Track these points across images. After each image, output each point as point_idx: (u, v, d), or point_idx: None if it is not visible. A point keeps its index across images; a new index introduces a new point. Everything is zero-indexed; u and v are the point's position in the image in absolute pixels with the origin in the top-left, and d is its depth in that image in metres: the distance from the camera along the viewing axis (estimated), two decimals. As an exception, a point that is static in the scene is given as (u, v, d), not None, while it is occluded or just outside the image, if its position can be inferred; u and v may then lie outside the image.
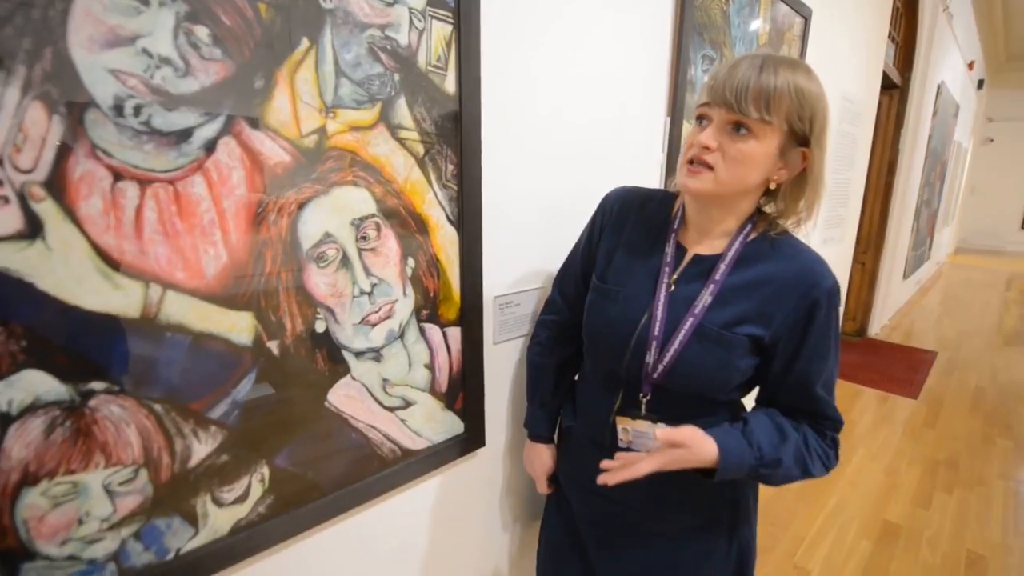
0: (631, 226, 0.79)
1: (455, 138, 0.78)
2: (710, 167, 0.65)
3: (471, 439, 0.91)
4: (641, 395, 0.73)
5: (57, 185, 0.47)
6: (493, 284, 0.91)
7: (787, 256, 0.69)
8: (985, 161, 8.92)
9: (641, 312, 0.73)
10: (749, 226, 0.72)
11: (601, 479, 0.68)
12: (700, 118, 0.68)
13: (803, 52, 1.78)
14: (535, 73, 0.89)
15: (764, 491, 0.81)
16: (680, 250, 0.75)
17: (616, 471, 0.67)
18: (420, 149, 0.74)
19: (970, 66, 5.79)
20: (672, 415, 0.72)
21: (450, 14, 0.73)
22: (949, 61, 4.66)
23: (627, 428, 0.75)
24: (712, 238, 0.73)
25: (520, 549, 1.12)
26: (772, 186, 0.69)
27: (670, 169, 1.27)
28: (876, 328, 4.21)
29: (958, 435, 2.65)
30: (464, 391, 0.89)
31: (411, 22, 0.69)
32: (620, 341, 0.73)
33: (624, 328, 0.73)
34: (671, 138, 1.26)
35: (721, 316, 0.69)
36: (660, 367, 0.70)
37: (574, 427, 0.87)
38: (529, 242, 0.97)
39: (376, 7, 0.66)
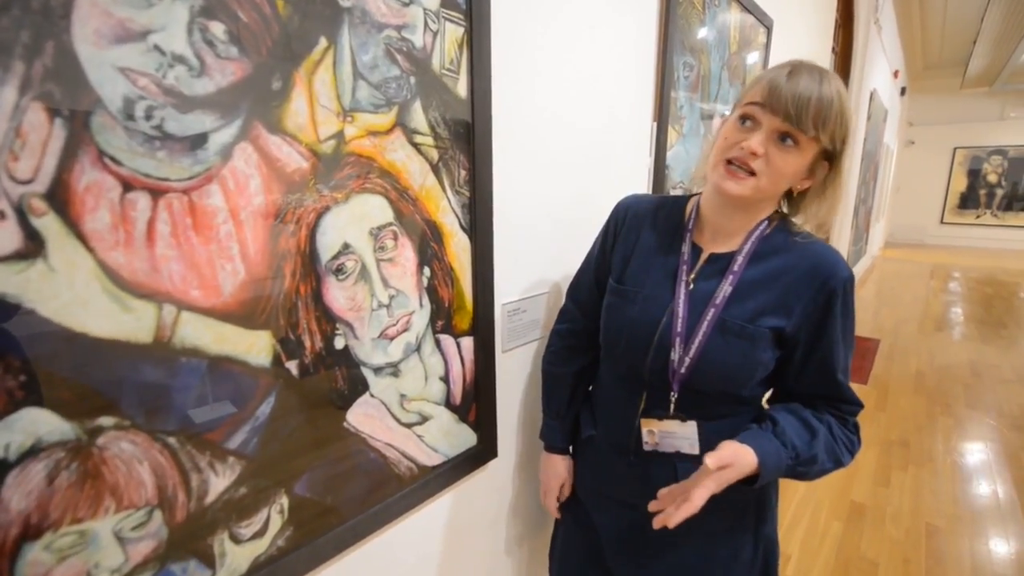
0: (646, 230, 0.79)
1: (467, 143, 0.75)
2: (752, 173, 0.65)
3: (484, 451, 0.89)
4: (671, 394, 0.72)
5: (60, 197, 0.42)
6: (501, 292, 0.89)
7: (802, 248, 0.70)
8: (908, 162, 9.69)
9: (662, 310, 0.72)
10: (765, 223, 0.72)
11: (658, 522, 0.64)
12: (745, 117, 0.66)
13: (767, 62, 1.86)
14: (536, 81, 0.88)
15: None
16: (696, 250, 0.75)
17: (675, 512, 0.63)
18: (435, 155, 0.71)
19: (895, 74, 6.27)
20: (699, 414, 0.72)
21: (462, 16, 0.71)
22: (879, 69, 5.02)
23: (653, 430, 0.74)
24: (727, 236, 0.73)
25: (532, 557, 1.10)
26: (794, 192, 0.71)
27: (657, 172, 1.29)
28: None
29: (906, 416, 2.84)
30: (477, 402, 0.86)
31: (426, 23, 0.67)
32: (642, 341, 0.73)
33: (645, 327, 0.73)
34: (658, 143, 1.28)
35: (742, 309, 0.69)
36: (687, 361, 0.70)
37: (595, 436, 0.85)
38: (532, 248, 0.95)
39: (392, 7, 0.62)
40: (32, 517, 0.43)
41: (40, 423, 0.43)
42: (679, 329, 0.71)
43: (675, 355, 0.71)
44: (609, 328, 0.78)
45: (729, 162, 0.66)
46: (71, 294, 0.43)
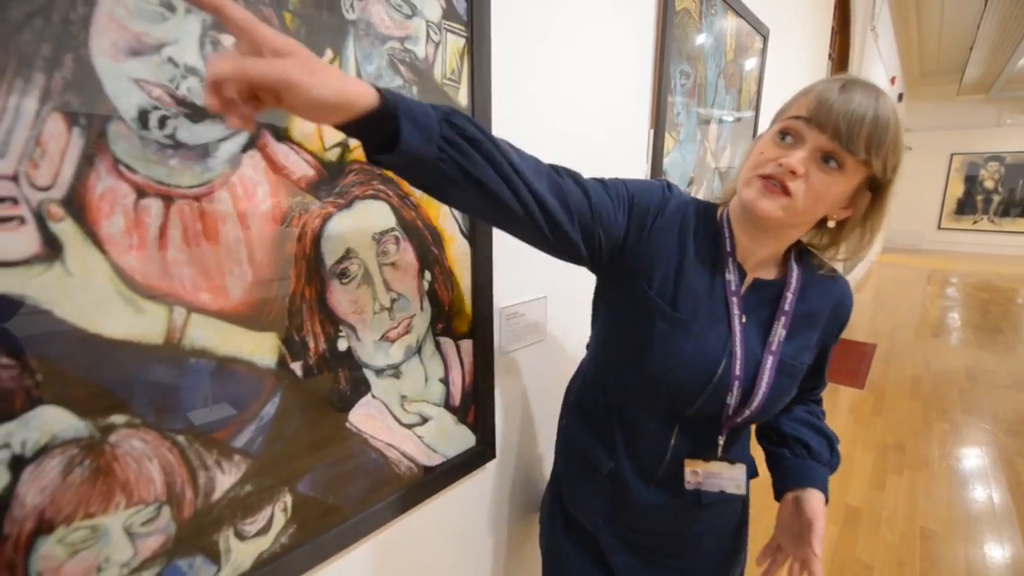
0: (690, 238, 0.67)
1: (467, 150, 0.77)
2: (787, 192, 0.57)
3: (483, 452, 0.90)
4: (719, 437, 0.70)
5: (77, 203, 0.44)
6: (499, 295, 0.90)
7: (829, 283, 0.70)
8: (905, 168, 9.68)
9: (720, 350, 0.65)
10: (793, 252, 0.69)
11: None
12: (785, 132, 0.59)
13: (763, 68, 1.89)
14: (535, 88, 0.90)
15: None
16: (741, 273, 0.67)
17: None
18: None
19: (892, 81, 6.32)
20: (733, 445, 0.73)
21: (463, 27, 0.73)
22: (876, 76, 5.06)
23: (697, 471, 0.71)
24: (760, 260, 0.68)
25: (529, 557, 1.12)
26: (831, 224, 0.64)
27: (654, 178, 1.31)
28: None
29: (902, 420, 2.86)
30: (475, 404, 0.88)
31: (428, 35, 0.69)
32: (697, 382, 0.65)
33: (703, 368, 0.65)
34: (654, 149, 1.30)
35: (790, 348, 0.67)
36: (747, 411, 0.66)
37: (616, 469, 0.75)
38: (530, 252, 0.97)
39: (396, 19, 0.64)
40: (46, 512, 0.45)
41: (55, 421, 0.44)
42: (738, 372, 0.65)
43: (731, 399, 0.66)
44: (660, 364, 0.66)
45: (765, 178, 0.59)
46: (87, 296, 0.45)
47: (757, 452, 0.81)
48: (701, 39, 1.42)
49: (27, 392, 0.43)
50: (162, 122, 0.47)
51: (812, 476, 0.73)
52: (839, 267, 0.74)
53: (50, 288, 0.43)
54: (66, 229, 0.43)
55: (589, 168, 1.07)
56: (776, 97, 2.08)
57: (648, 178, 1.30)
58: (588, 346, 0.83)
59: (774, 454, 0.80)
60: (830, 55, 3.61)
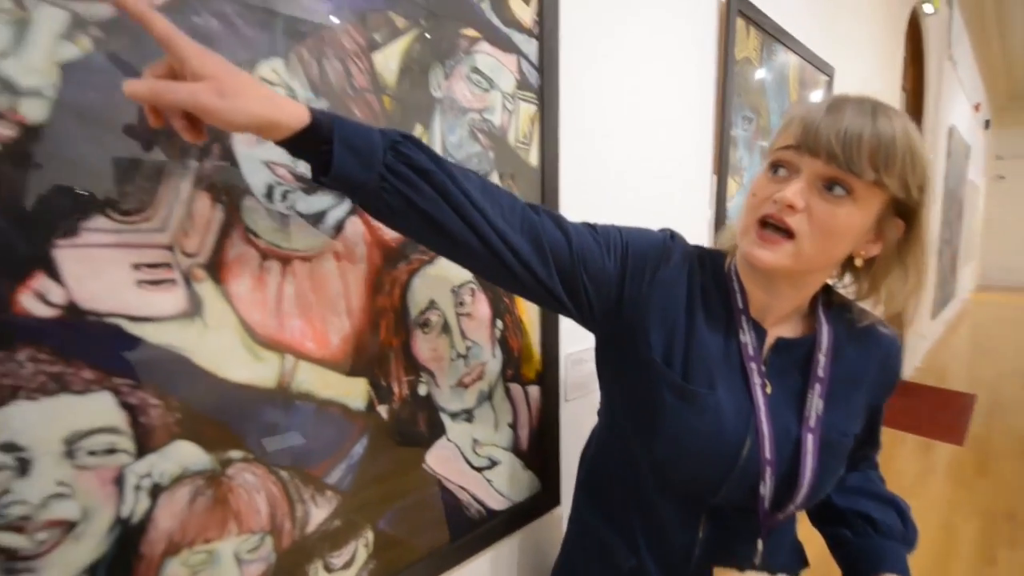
0: (696, 293, 0.60)
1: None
2: (790, 234, 0.51)
3: (548, 497, 0.91)
4: (756, 540, 0.59)
5: (215, 266, 0.51)
6: (565, 342, 0.93)
7: (869, 336, 0.61)
8: (998, 198, 8.95)
9: (743, 427, 0.56)
10: (820, 302, 0.61)
11: None
12: (777, 165, 0.53)
13: (829, 107, 1.85)
14: (601, 143, 0.95)
15: (819, 553, 0.75)
16: (759, 332, 0.59)
17: None
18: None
19: (976, 108, 5.93)
20: (776, 544, 0.62)
21: (534, 95, 0.80)
22: (957, 105, 4.78)
23: None
24: (781, 314, 0.60)
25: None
26: (858, 262, 0.56)
27: (718, 225, 1.31)
28: (909, 370, 4.12)
29: (1012, 484, 2.53)
30: (541, 449, 0.89)
31: (503, 104, 0.76)
32: (718, 466, 0.56)
33: (723, 449, 0.56)
34: (718, 195, 1.31)
35: (833, 419, 0.58)
36: (790, 505, 0.56)
37: (638, 567, 0.64)
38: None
39: (476, 93, 0.72)
40: (175, 535, 0.51)
41: (187, 454, 0.51)
42: (768, 455, 0.55)
43: (765, 488, 0.55)
44: (670, 443, 0.57)
45: (763, 224, 0.52)
46: (219, 346, 0.52)
47: (805, 530, 0.71)
48: (763, 85, 1.43)
49: (168, 428, 0.50)
50: (284, 196, 0.55)
51: (886, 557, 0.63)
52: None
53: (191, 339, 0.50)
54: (206, 289, 0.51)
55: (653, 217, 1.10)
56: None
57: (711, 226, 1.30)
58: (599, 412, 0.74)
59: (833, 537, 0.69)
60: (903, 87, 3.47)
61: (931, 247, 0.57)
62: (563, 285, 0.55)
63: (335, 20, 0.57)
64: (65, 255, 0.43)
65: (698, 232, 1.29)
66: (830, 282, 0.63)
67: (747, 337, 0.58)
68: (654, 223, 1.10)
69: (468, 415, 0.76)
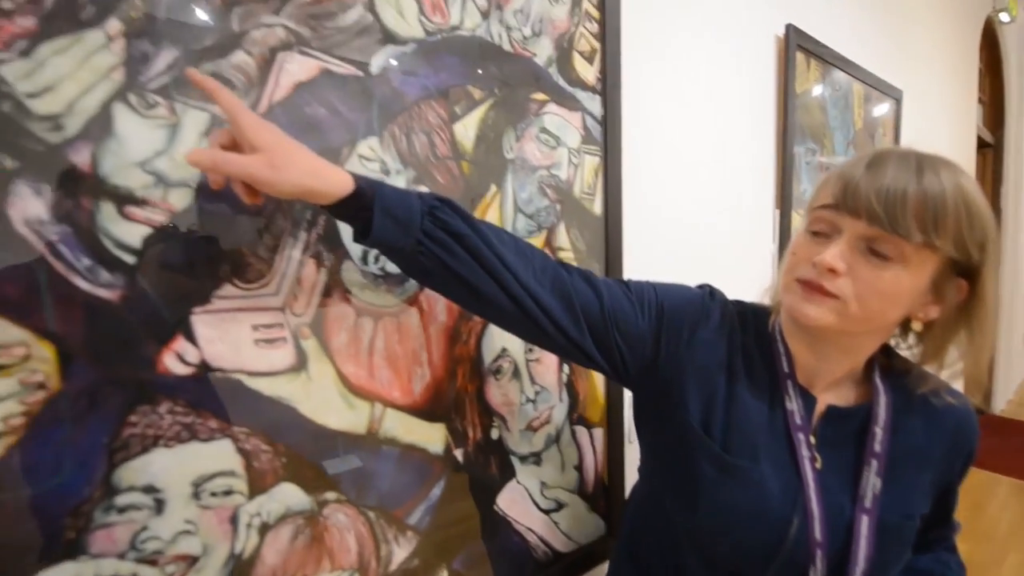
0: (737, 356, 0.57)
1: (601, 251, 0.85)
2: (833, 295, 0.48)
3: (613, 541, 0.91)
4: None
5: (318, 324, 0.57)
6: (629, 382, 0.94)
7: (937, 408, 0.56)
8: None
9: (790, 505, 0.52)
10: (876, 367, 0.57)
11: None
12: (816, 224, 0.51)
13: (897, 134, 1.78)
14: (663, 189, 0.97)
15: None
16: (807, 399, 0.55)
17: None
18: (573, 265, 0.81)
19: (1067, 117, 5.44)
20: None
21: (598, 148, 0.83)
22: (1043, 115, 4.42)
23: None
24: (831, 380, 0.56)
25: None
26: (916, 326, 0.53)
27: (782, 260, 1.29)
28: (1001, 404, 3.75)
29: None
30: (606, 492, 0.90)
31: (569, 159, 0.79)
32: (762, 547, 0.52)
33: (768, 529, 0.52)
34: (781, 229, 1.28)
35: (892, 500, 0.53)
36: None
37: None
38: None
39: (544, 151, 0.76)
40: (278, 570, 0.56)
41: (290, 496, 0.56)
42: (818, 536, 0.51)
43: (816, 573, 0.51)
44: (707, 515, 0.54)
45: (803, 281, 0.50)
46: (320, 396, 0.57)
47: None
48: (825, 115, 1.41)
49: (275, 472, 0.55)
50: (377, 258, 0.61)
51: None
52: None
53: (297, 391, 0.56)
54: (311, 345, 0.57)
55: (717, 253, 1.10)
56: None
57: (775, 259, 1.28)
58: (639, 468, 0.70)
59: None
60: (980, 99, 3.26)
61: (998, 307, 0.52)
62: (596, 344, 0.55)
63: (422, 99, 0.63)
64: (199, 320, 0.50)
65: (762, 267, 1.27)
66: (892, 342, 0.59)
67: (794, 404, 0.54)
68: (717, 260, 1.10)
69: (536, 458, 0.78)
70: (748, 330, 0.58)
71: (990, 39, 3.20)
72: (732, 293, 0.74)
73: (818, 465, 0.53)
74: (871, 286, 0.47)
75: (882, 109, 1.69)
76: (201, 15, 0.49)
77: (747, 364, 0.57)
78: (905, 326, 0.55)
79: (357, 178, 0.48)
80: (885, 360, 0.58)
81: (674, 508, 0.58)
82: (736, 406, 0.55)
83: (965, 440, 0.58)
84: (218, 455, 0.52)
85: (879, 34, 1.67)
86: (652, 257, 0.96)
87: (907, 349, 0.58)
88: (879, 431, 0.54)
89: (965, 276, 0.50)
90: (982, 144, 3.43)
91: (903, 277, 0.47)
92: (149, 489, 0.48)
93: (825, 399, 0.56)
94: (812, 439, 0.54)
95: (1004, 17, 3.06)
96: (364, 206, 0.48)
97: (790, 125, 1.24)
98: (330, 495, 0.59)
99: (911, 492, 0.55)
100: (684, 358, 0.56)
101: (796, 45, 1.24)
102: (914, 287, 0.48)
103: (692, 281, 1.00)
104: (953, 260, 0.48)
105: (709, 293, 0.61)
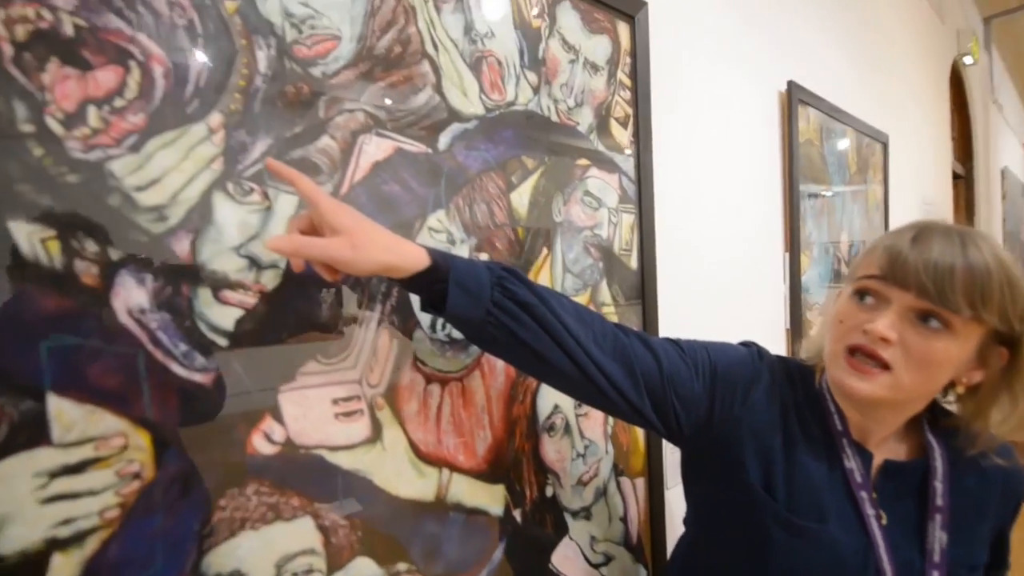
0: (795, 420, 0.58)
1: (639, 303, 0.88)
2: (886, 366, 0.49)
3: (657, 592, 0.91)
4: None
5: (391, 394, 0.58)
6: (664, 429, 0.96)
7: (986, 465, 0.58)
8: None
9: (862, 564, 0.53)
10: (925, 421, 0.59)
11: None
12: (863, 293, 0.52)
13: (886, 174, 1.88)
14: (688, 237, 1.01)
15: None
16: (864, 456, 0.57)
17: None
18: (615, 319, 0.84)
19: (1026, 147, 5.78)
20: None
21: (633, 205, 0.87)
22: (1007, 146, 4.70)
23: None
24: (882, 436, 0.58)
25: None
26: (959, 390, 0.56)
27: (793, 298, 1.33)
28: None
29: None
30: (651, 542, 0.90)
31: (609, 219, 0.83)
32: None
33: None
34: (791, 271, 1.34)
35: (958, 551, 0.55)
36: None
37: None
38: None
39: (588, 213, 0.79)
40: (354, 648, 0.55)
41: (364, 569, 0.56)
42: None
43: None
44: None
45: (851, 351, 0.51)
46: (392, 466, 0.58)
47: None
48: (824, 161, 1.48)
49: (351, 546, 0.55)
50: (444, 326, 0.62)
51: None
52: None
53: (372, 462, 0.56)
54: (385, 415, 0.58)
55: (733, 294, 1.14)
56: (901, 199, 2.04)
57: (786, 300, 1.32)
58: (685, 521, 0.71)
59: None
60: (952, 136, 3.46)
61: None
62: (653, 407, 0.56)
63: (483, 171, 0.66)
64: (286, 398, 0.51)
65: (774, 307, 1.31)
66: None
67: (852, 463, 0.56)
68: (734, 300, 1.15)
69: (587, 512, 0.79)
70: (797, 390, 0.60)
71: (956, 80, 3.42)
72: (750, 331, 0.80)
73: (884, 522, 0.55)
74: (922, 356, 0.49)
75: (872, 151, 1.79)
76: (292, 104, 0.52)
77: (801, 423, 0.58)
78: (947, 385, 0.57)
79: (430, 251, 0.50)
80: (931, 415, 0.60)
81: (738, 570, 0.59)
82: (795, 466, 0.56)
83: (1015, 488, 0.60)
84: (300, 534, 0.51)
85: (865, 85, 1.79)
86: (682, 304, 0.99)
87: (948, 404, 0.61)
88: (939, 484, 0.56)
89: (1005, 344, 0.52)
90: (955, 176, 3.63)
91: (952, 347, 0.49)
92: (235, 575, 0.48)
93: (880, 454, 0.58)
94: (874, 496, 0.56)
95: (968, 60, 3.28)
96: (438, 279, 0.50)
97: (795, 171, 1.31)
98: (402, 566, 0.58)
99: (973, 543, 0.57)
100: (739, 419, 0.57)
101: (798, 100, 1.31)
102: (960, 356, 0.50)
103: (717, 324, 1.03)
104: (996, 330, 0.50)
105: (757, 353, 0.63)
